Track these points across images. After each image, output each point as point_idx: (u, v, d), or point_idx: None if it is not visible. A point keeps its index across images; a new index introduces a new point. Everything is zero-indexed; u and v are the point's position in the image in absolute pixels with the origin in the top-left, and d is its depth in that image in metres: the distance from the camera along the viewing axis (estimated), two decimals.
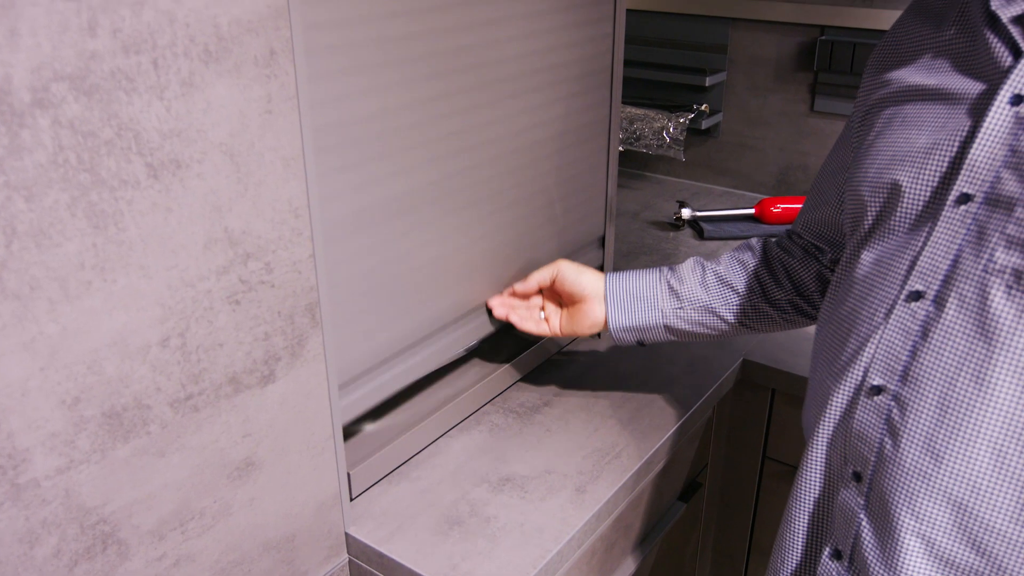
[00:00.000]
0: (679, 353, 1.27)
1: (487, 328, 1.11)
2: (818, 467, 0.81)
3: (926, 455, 0.70)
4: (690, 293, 1.03)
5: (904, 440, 0.71)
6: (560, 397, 1.16)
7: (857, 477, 0.75)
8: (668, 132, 1.83)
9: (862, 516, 0.75)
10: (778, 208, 1.72)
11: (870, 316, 0.75)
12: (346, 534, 0.93)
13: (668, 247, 1.67)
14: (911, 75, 0.77)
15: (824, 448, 0.79)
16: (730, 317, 1.03)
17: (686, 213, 1.75)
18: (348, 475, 0.94)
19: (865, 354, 0.74)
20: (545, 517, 0.94)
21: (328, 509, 0.90)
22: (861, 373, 0.75)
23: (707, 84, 1.84)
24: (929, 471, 0.69)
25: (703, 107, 1.88)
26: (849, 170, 0.82)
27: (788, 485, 1.32)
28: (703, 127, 1.87)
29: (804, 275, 1.00)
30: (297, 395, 0.82)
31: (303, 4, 0.73)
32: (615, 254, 1.59)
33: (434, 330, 1.03)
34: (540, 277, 1.09)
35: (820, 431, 0.79)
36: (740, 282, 1.03)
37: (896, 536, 0.71)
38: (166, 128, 0.64)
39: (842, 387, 0.76)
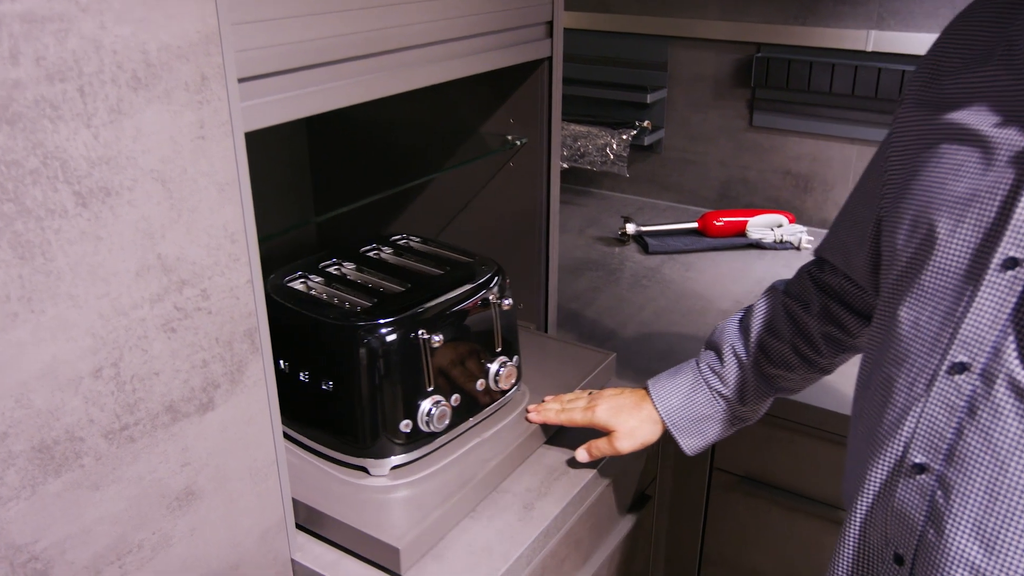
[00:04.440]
0: (624, 367, 1.28)
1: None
2: (855, 543, 0.75)
3: (975, 545, 0.63)
4: (751, 396, 0.99)
5: (949, 527, 0.65)
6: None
7: (899, 560, 0.70)
8: (611, 149, 1.85)
9: None
10: (720, 222, 1.75)
11: (909, 385, 0.69)
12: (292, 560, 0.92)
13: (613, 262, 1.69)
14: (949, 111, 0.70)
15: (861, 524, 0.74)
16: (795, 387, 1.01)
17: (631, 228, 1.77)
18: (293, 501, 0.93)
19: (905, 427, 0.68)
20: (493, 535, 0.94)
21: (273, 536, 0.89)
22: (901, 448, 0.69)
23: (648, 101, 1.87)
24: (979, 563, 0.63)
25: (645, 123, 1.91)
26: (885, 210, 0.77)
27: (737, 495, 1.34)
28: (646, 143, 1.90)
29: (830, 329, 0.95)
30: (238, 422, 0.81)
31: (234, 30, 0.73)
32: (560, 270, 1.61)
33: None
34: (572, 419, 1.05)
35: (858, 505, 0.74)
36: (790, 362, 0.97)
37: None
38: (94, 156, 0.63)
39: (881, 461, 0.71)
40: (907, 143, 0.75)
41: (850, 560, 0.76)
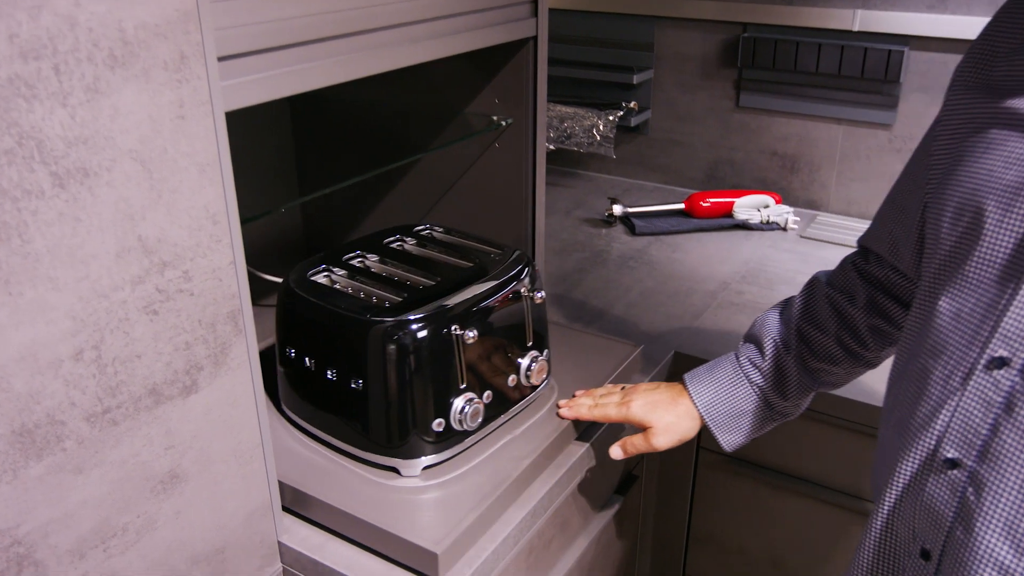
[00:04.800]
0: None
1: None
2: (882, 535, 0.74)
3: (1005, 544, 0.62)
4: (794, 391, 0.96)
5: (979, 525, 0.63)
6: None
7: (926, 555, 0.69)
8: (598, 130, 1.85)
9: None
10: (707, 202, 1.75)
11: (945, 378, 0.67)
12: (279, 543, 0.92)
13: (600, 244, 1.69)
14: (1000, 95, 0.67)
15: (888, 516, 0.73)
16: (839, 381, 0.98)
17: (618, 209, 1.77)
18: (279, 483, 0.92)
19: (939, 421, 0.67)
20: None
21: (259, 518, 0.88)
22: (934, 441, 0.67)
23: (635, 82, 1.87)
24: (1008, 563, 0.62)
25: (632, 104, 1.90)
26: (929, 195, 0.75)
27: (724, 475, 1.34)
28: (632, 124, 1.90)
29: (879, 321, 0.92)
30: (222, 404, 0.80)
31: (213, 7, 0.72)
32: (547, 252, 1.61)
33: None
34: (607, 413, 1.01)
35: (886, 497, 0.72)
36: (834, 356, 0.95)
37: None
38: (71, 136, 0.62)
39: (912, 454, 0.69)
40: (955, 127, 0.72)
41: (875, 552, 0.74)
